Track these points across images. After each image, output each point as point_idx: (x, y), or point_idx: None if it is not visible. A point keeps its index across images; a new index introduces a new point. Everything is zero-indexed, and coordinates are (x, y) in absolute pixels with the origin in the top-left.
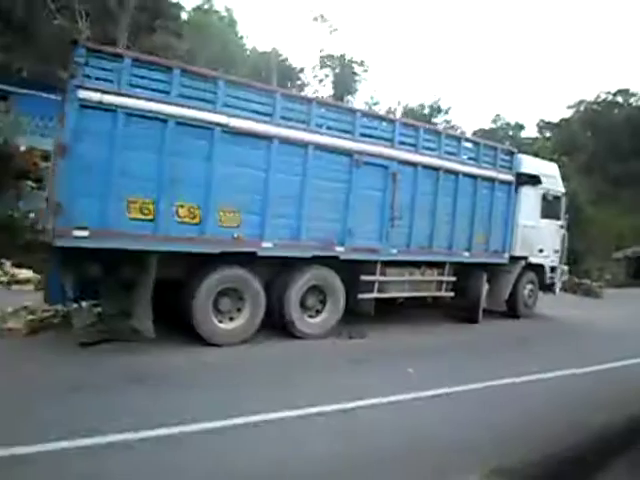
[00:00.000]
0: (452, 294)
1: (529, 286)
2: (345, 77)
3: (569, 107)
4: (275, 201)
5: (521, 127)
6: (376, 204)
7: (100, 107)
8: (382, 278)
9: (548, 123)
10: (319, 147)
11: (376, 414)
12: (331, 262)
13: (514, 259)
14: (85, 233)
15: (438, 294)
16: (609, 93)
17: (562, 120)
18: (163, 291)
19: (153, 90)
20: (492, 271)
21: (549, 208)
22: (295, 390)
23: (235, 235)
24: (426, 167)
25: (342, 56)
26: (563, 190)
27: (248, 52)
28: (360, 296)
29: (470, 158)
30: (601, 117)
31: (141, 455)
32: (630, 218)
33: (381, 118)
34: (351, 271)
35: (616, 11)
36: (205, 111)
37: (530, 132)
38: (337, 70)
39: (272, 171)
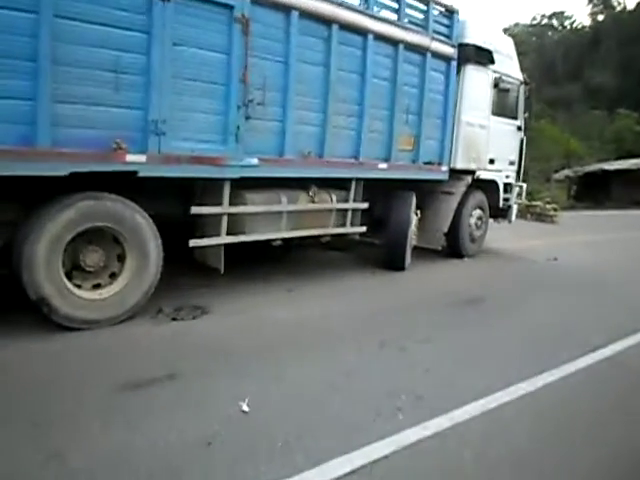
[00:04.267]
0: (363, 229)
1: (477, 212)
2: None
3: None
4: None
5: None
6: (213, 77)
7: None
8: (235, 210)
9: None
10: None
11: None
12: (125, 184)
13: (456, 174)
14: None
15: (340, 230)
16: (544, 16)
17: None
18: None
19: None
20: (424, 193)
21: (503, 101)
22: None
23: None
24: (307, 16)
25: None
26: (521, 78)
27: None
28: (194, 243)
29: (386, 9)
30: (536, 39)
31: None
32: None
33: None
34: (173, 199)
35: None
36: None
37: None
38: None
39: None
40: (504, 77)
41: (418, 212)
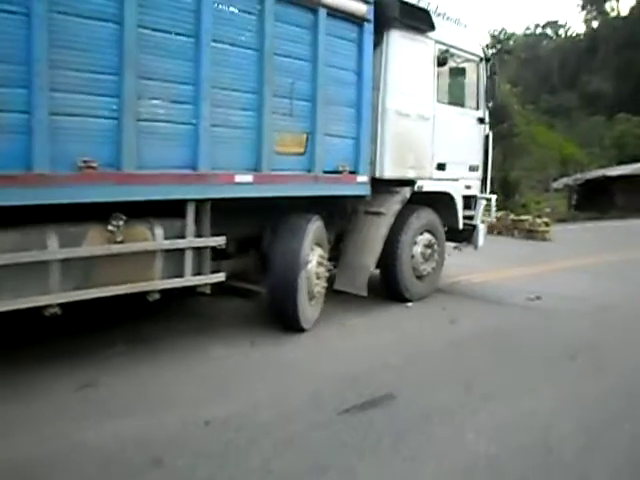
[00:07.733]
0: (220, 277)
1: (424, 238)
2: None
3: (498, 41)
4: None
5: None
6: None
7: None
8: None
9: None
10: None
11: None
12: None
13: (385, 186)
14: None
15: (174, 283)
16: (538, 25)
17: (493, 54)
18: None
19: None
20: (343, 214)
21: (456, 85)
22: None
23: None
24: None
25: None
26: (481, 54)
27: None
28: None
29: None
30: (531, 50)
31: None
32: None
33: None
34: None
35: None
36: None
37: None
38: None
39: None
40: (453, 50)
41: (328, 243)
